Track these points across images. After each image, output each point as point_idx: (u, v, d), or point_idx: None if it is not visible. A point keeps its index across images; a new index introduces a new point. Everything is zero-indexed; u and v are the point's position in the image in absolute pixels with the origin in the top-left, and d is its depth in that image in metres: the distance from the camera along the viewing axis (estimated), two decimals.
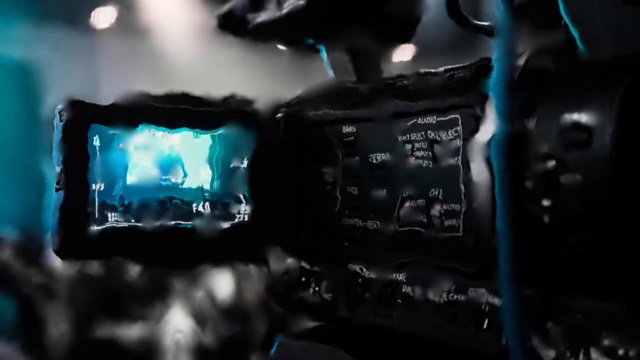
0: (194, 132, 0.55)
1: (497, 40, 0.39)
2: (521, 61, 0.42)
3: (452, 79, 0.47)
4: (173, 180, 0.55)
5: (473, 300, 0.45)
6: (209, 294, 3.44)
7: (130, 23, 5.49)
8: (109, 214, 0.52)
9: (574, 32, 0.42)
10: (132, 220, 0.53)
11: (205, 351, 3.36)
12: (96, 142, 0.52)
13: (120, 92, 0.55)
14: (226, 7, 0.66)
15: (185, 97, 0.68)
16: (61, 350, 3.57)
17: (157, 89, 0.70)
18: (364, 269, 0.53)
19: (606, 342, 0.37)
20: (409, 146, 0.49)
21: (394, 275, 0.51)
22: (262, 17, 0.63)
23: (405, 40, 0.64)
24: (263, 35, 0.64)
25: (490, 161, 0.39)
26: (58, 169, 0.51)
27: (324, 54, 0.64)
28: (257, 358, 3.21)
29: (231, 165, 0.56)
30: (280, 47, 0.67)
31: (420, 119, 0.48)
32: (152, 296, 3.70)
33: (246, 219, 0.56)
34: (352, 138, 0.54)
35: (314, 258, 0.58)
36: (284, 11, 0.61)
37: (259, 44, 0.68)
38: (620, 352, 0.37)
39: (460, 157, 0.44)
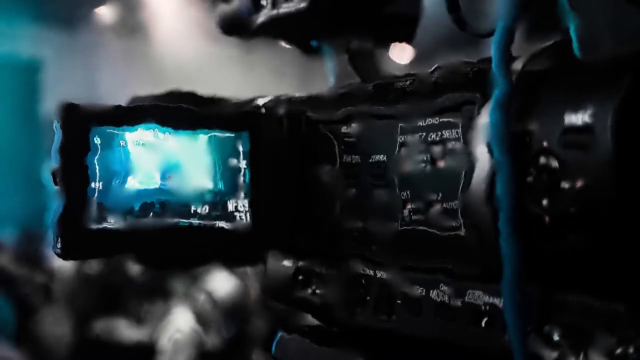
0: (194, 132, 0.55)
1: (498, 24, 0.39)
2: (521, 62, 0.42)
3: (452, 79, 0.47)
4: (173, 180, 0.55)
5: (474, 301, 0.45)
6: (209, 294, 3.44)
7: (130, 23, 5.49)
8: (109, 215, 0.52)
9: (574, 31, 0.42)
10: (132, 221, 0.53)
11: (206, 351, 3.37)
12: (96, 142, 0.52)
13: (119, 92, 0.55)
14: (227, 9, 0.67)
15: (184, 97, 0.68)
16: (61, 350, 3.57)
17: (157, 90, 0.70)
18: (364, 270, 0.53)
19: (605, 341, 0.37)
20: (409, 146, 0.49)
21: (394, 276, 0.51)
22: (261, 18, 0.63)
23: (405, 40, 0.64)
24: (266, 36, 0.65)
25: (492, 157, 0.39)
26: (57, 169, 0.51)
27: (326, 56, 0.64)
28: (258, 357, 3.21)
29: (231, 166, 0.56)
30: (284, 45, 0.67)
31: (420, 119, 0.48)
32: (153, 296, 3.70)
33: (246, 219, 0.56)
34: (352, 138, 0.54)
35: (314, 258, 0.58)
36: (285, 11, 0.61)
37: (260, 44, 0.68)
38: (619, 351, 0.37)
39: (460, 158, 0.44)
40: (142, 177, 0.54)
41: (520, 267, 0.38)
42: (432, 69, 0.50)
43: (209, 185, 0.56)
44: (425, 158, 0.47)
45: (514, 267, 0.38)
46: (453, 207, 0.45)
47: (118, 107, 0.54)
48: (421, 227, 0.48)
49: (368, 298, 0.52)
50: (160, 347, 3.38)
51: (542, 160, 0.38)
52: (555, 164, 0.37)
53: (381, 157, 0.51)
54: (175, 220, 0.54)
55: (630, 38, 0.41)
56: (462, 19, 0.49)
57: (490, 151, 0.40)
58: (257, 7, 0.64)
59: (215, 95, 0.69)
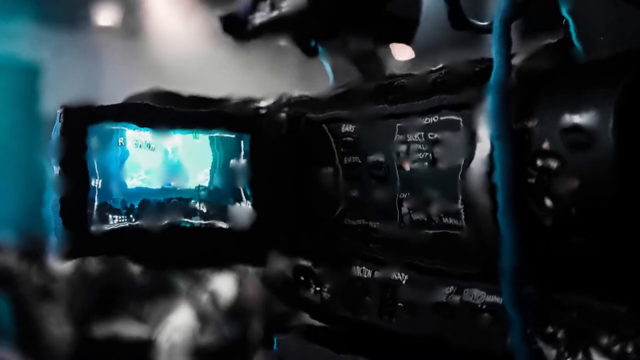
0: (194, 132, 0.55)
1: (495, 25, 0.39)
2: (520, 61, 0.42)
3: (453, 77, 0.47)
4: (174, 181, 0.55)
5: (474, 301, 0.45)
6: (210, 294, 3.44)
7: (131, 24, 5.49)
8: (109, 215, 0.52)
9: (574, 31, 0.42)
10: (133, 221, 0.53)
11: (206, 351, 3.37)
12: (95, 142, 0.52)
13: (120, 92, 0.55)
14: (228, 10, 0.67)
15: (185, 98, 0.68)
16: (60, 350, 3.57)
17: (158, 90, 0.70)
18: (365, 270, 0.53)
19: (605, 341, 0.37)
20: (409, 146, 0.49)
21: (395, 276, 0.51)
22: (261, 18, 0.63)
23: (405, 41, 0.64)
24: (266, 36, 0.65)
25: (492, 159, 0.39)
26: (57, 169, 0.51)
27: (324, 56, 0.64)
28: (259, 358, 3.21)
29: (231, 166, 0.56)
30: (283, 46, 0.67)
31: (420, 118, 0.48)
32: (154, 295, 3.70)
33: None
34: (351, 138, 0.54)
35: (314, 258, 0.58)
36: (283, 11, 0.61)
37: (260, 45, 0.68)
38: (619, 350, 0.37)
39: (460, 157, 0.44)
40: (143, 176, 0.54)
41: (520, 259, 0.38)
42: (432, 68, 0.50)
43: (210, 185, 0.56)
44: (425, 157, 0.47)
45: (513, 258, 0.38)
46: (453, 207, 0.45)
47: (118, 107, 0.54)
48: (421, 228, 0.48)
49: (368, 297, 0.52)
50: (159, 346, 3.39)
51: (543, 160, 0.38)
52: (556, 164, 0.37)
53: (381, 157, 0.51)
54: (176, 220, 0.54)
55: (630, 38, 0.41)
56: (461, 12, 0.49)
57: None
58: (257, 7, 0.64)
59: (216, 95, 0.69)
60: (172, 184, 0.55)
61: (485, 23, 0.49)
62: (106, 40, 5.55)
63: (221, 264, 0.65)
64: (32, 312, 3.61)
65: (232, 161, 0.56)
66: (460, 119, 0.45)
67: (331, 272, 0.56)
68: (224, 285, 3.48)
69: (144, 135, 0.54)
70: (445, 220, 0.46)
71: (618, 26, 0.42)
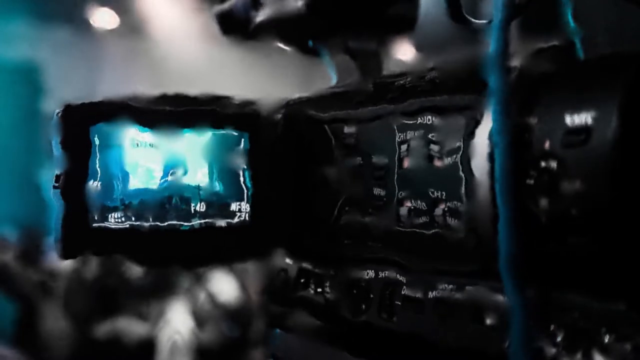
0: (194, 131, 0.55)
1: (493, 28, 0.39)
2: (521, 61, 0.42)
3: (452, 77, 0.47)
4: (173, 179, 0.55)
5: (474, 301, 0.45)
6: (210, 294, 3.44)
7: (131, 24, 5.49)
8: (109, 214, 0.52)
9: (574, 31, 0.42)
10: (132, 220, 0.53)
11: (205, 351, 3.37)
12: (96, 141, 0.52)
13: (120, 92, 0.55)
14: (225, 8, 0.66)
15: (185, 97, 0.68)
16: (59, 347, 3.57)
17: (158, 90, 0.70)
18: (365, 270, 0.53)
19: (605, 341, 0.37)
20: (409, 146, 0.49)
21: (395, 275, 0.51)
22: (261, 16, 0.63)
23: (404, 38, 0.64)
24: (263, 35, 0.65)
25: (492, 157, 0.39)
26: (57, 169, 0.51)
27: (325, 56, 0.64)
28: (258, 356, 3.21)
29: (231, 165, 0.56)
30: (282, 47, 0.67)
31: (420, 118, 0.48)
32: (154, 294, 3.70)
33: (246, 218, 0.56)
34: (352, 138, 0.54)
35: (314, 258, 0.58)
36: (283, 10, 0.61)
37: (260, 45, 0.68)
38: (619, 350, 0.37)
39: (461, 157, 0.44)
40: (143, 176, 0.54)
41: (519, 265, 0.38)
42: (432, 66, 0.50)
43: (210, 184, 0.56)
44: (425, 156, 0.47)
45: (512, 265, 0.38)
46: (454, 206, 0.45)
47: (118, 106, 0.54)
48: (422, 227, 0.48)
49: (369, 298, 0.52)
50: (159, 345, 3.39)
51: (544, 161, 0.38)
52: (556, 164, 0.37)
53: (381, 156, 0.51)
54: (176, 218, 0.54)
55: (630, 38, 0.41)
56: (460, 10, 0.49)
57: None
58: (256, 5, 0.63)
59: (216, 95, 0.69)
60: (172, 184, 0.55)
61: (485, 21, 0.49)
62: (106, 40, 5.55)
63: (221, 263, 0.65)
64: (32, 309, 3.61)
65: (232, 160, 0.56)
66: (461, 118, 0.45)
67: (331, 272, 0.56)
68: (224, 284, 3.48)
69: (144, 134, 0.54)
70: (445, 219, 0.46)
71: (618, 26, 0.42)
